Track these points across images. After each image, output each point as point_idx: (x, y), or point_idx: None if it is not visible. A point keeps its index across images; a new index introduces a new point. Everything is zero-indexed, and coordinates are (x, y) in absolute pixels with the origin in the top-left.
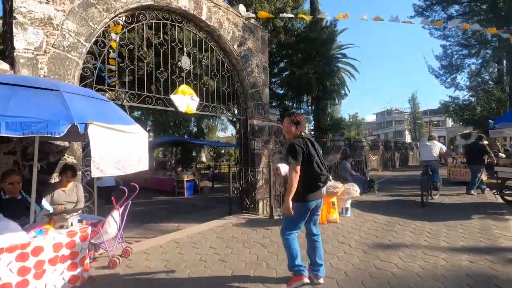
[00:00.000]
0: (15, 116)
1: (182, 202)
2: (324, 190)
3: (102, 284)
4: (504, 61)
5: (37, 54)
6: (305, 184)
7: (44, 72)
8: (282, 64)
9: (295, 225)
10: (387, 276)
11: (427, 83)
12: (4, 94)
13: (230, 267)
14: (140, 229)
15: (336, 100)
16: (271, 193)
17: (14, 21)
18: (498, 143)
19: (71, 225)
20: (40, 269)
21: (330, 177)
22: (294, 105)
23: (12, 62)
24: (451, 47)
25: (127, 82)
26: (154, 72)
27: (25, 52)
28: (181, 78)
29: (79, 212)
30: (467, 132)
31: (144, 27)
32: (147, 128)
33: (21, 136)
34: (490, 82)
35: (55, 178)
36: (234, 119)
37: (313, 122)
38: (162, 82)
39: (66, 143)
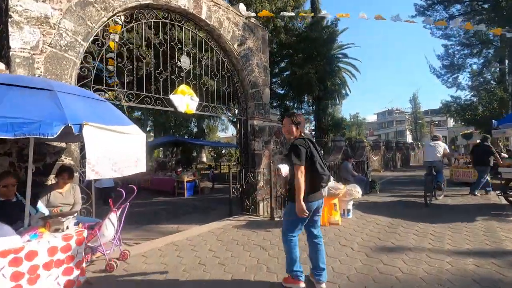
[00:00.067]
0: (6, 116)
1: (182, 203)
2: (325, 191)
3: None
4: (506, 61)
5: (33, 54)
6: (307, 184)
7: (41, 72)
8: (282, 64)
9: (296, 226)
10: (391, 281)
11: (428, 83)
12: None
13: (230, 271)
14: (140, 230)
15: (337, 100)
16: (271, 194)
17: (9, 19)
18: (500, 143)
19: (67, 228)
20: (34, 274)
21: (332, 178)
22: (295, 105)
23: (7, 62)
24: (453, 46)
25: (125, 82)
26: (153, 72)
27: (21, 52)
28: (180, 78)
29: (75, 214)
30: (468, 132)
31: (143, 27)
32: (148, 128)
33: (13, 138)
34: (492, 82)
35: (51, 179)
36: (235, 119)
37: (314, 122)
38: (161, 82)
39: (63, 144)
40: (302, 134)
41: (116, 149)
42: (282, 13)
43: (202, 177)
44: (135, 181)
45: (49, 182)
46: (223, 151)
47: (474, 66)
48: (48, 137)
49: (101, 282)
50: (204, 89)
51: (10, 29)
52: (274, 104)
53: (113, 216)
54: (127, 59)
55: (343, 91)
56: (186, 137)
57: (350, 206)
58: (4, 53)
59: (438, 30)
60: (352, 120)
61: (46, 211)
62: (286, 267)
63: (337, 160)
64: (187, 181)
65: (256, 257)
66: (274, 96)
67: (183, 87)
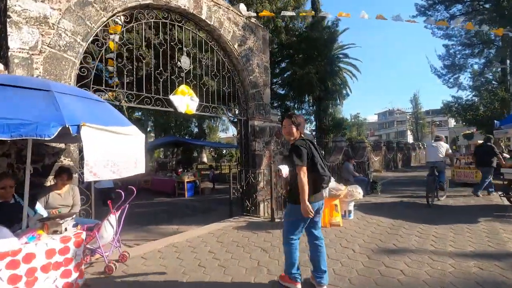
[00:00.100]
0: (3, 117)
1: (182, 203)
2: (326, 192)
3: None
4: (508, 61)
5: (32, 54)
6: (308, 185)
7: (40, 72)
8: (283, 64)
9: (297, 228)
10: (393, 284)
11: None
12: None
13: (230, 273)
14: (140, 231)
15: (338, 100)
16: (272, 195)
17: (8, 20)
18: (502, 144)
19: (65, 230)
20: (32, 277)
21: (332, 179)
22: (296, 105)
23: (6, 62)
24: (454, 46)
25: (125, 83)
26: (153, 72)
27: (19, 52)
28: (180, 78)
29: (74, 216)
30: (469, 132)
31: (143, 27)
32: (148, 129)
33: (10, 139)
34: (493, 82)
35: (50, 181)
36: (235, 120)
37: (314, 123)
38: (161, 83)
39: (63, 145)
40: (302, 135)
41: (115, 150)
42: (283, 12)
43: (202, 177)
44: (135, 182)
45: (48, 183)
46: (224, 152)
47: (476, 66)
48: (45, 138)
49: (100, 284)
50: (204, 89)
51: (8, 29)
52: (275, 104)
53: (112, 218)
54: (127, 59)
55: (344, 91)
56: (186, 137)
57: (351, 207)
58: (3, 53)
59: (439, 30)
60: (353, 120)
61: (44, 213)
62: (285, 268)
63: (338, 161)
64: (187, 182)
65: (256, 259)
66: (275, 96)
67: (183, 87)
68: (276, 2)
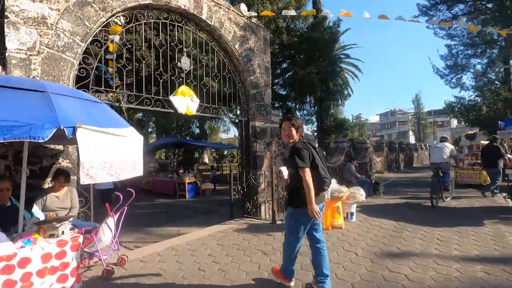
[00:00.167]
0: None
1: (183, 205)
2: (328, 194)
3: None
4: (511, 61)
5: (30, 55)
6: None
7: (38, 73)
8: (284, 65)
9: (298, 232)
10: None
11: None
12: None
13: (230, 277)
14: (140, 233)
15: (339, 101)
16: (273, 196)
17: (6, 20)
18: (505, 144)
19: (62, 233)
20: (27, 282)
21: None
22: (297, 106)
23: (3, 63)
24: (456, 46)
25: (125, 84)
26: (153, 73)
27: (17, 53)
28: (181, 79)
29: (71, 219)
30: (472, 133)
31: (142, 27)
32: (149, 130)
33: (3, 141)
34: (496, 82)
35: (48, 183)
36: (236, 121)
37: (316, 123)
38: (162, 83)
39: (61, 147)
40: (301, 138)
41: (112, 152)
42: (284, 11)
43: (203, 178)
44: (136, 183)
45: (46, 186)
46: (225, 152)
47: (478, 66)
48: (39, 141)
49: None
50: (205, 90)
51: (6, 29)
52: (276, 105)
53: (111, 221)
54: (127, 60)
55: (346, 92)
56: (188, 138)
57: (353, 209)
58: (0, 54)
59: (442, 30)
60: (355, 121)
61: (41, 216)
62: (281, 268)
63: (340, 162)
64: (188, 183)
65: (257, 263)
66: (276, 97)
67: (183, 88)
68: (277, 3)
